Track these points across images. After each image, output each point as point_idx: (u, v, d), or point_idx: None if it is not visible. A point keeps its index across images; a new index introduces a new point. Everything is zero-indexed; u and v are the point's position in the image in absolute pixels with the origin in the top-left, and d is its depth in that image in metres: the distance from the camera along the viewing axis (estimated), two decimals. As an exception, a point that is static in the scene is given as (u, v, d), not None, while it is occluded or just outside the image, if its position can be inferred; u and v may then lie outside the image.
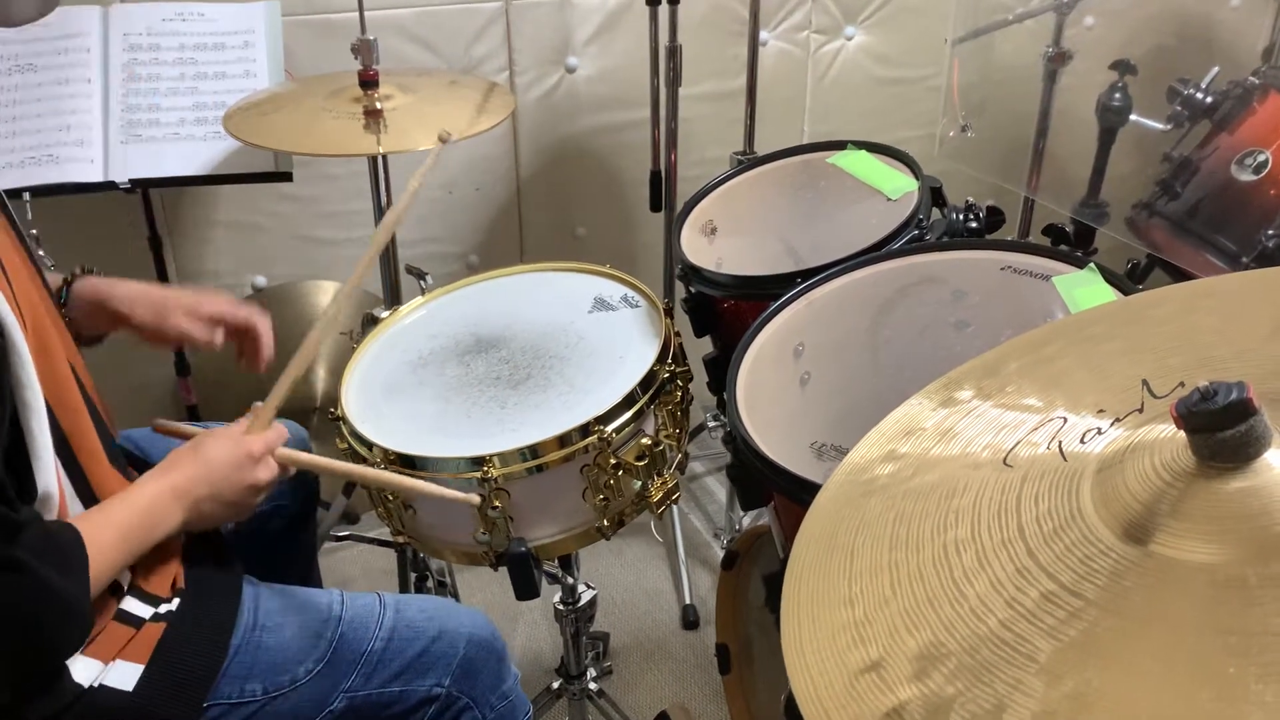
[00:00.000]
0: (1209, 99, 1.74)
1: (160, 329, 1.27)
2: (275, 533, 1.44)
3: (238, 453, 1.13)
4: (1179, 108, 1.77)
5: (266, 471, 1.16)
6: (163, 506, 1.07)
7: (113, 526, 1.02)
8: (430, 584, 1.94)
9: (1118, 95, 1.83)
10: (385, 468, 1.23)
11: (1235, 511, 0.59)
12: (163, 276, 2.02)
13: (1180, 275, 1.82)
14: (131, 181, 1.76)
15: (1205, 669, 0.54)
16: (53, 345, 1.01)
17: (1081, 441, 0.73)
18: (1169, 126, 1.79)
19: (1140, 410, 0.73)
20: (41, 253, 1.73)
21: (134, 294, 1.28)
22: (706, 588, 2.18)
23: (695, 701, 1.95)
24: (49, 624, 0.92)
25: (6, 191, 1.68)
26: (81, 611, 0.95)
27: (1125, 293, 1.13)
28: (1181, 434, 0.62)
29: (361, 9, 1.67)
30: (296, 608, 1.16)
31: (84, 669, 1.00)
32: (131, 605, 1.05)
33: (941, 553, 0.70)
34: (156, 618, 1.05)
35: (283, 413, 1.61)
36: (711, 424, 2.18)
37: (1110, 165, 1.90)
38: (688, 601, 2.15)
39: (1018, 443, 0.76)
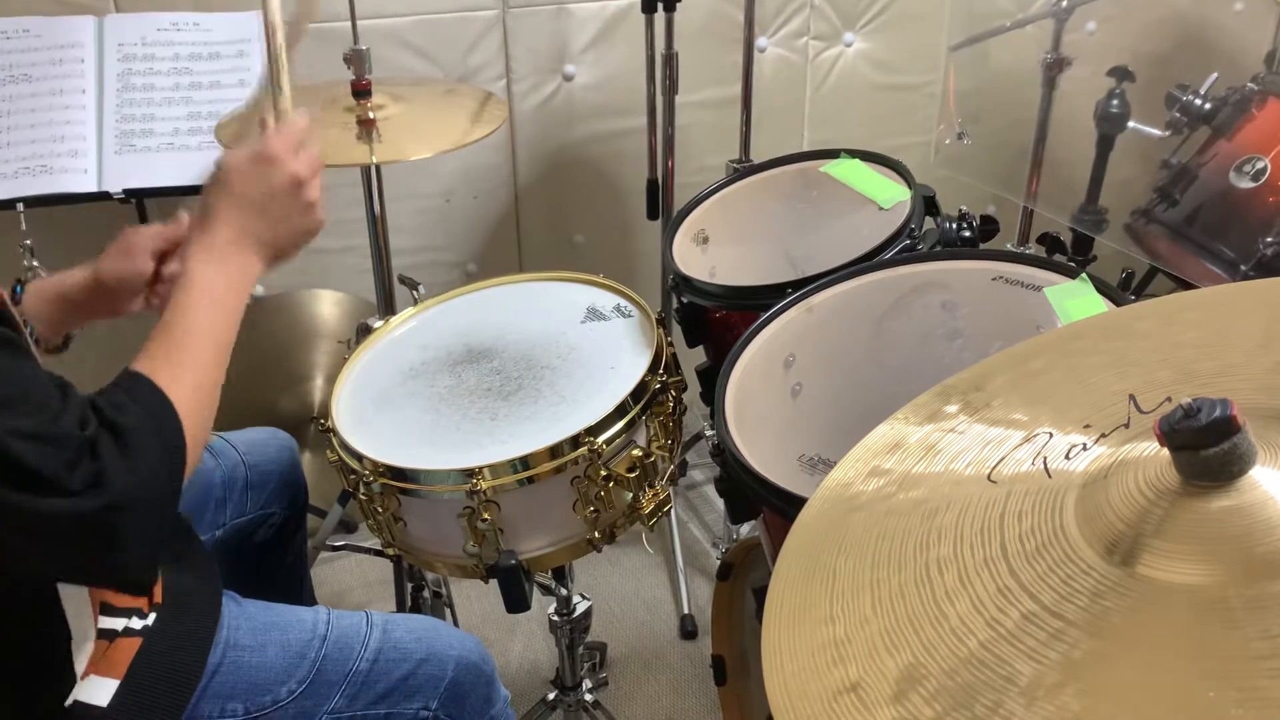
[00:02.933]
0: (1208, 105, 1.73)
1: (133, 270, 1.21)
2: (263, 542, 1.43)
3: (260, 159, 1.04)
4: (1177, 114, 1.75)
5: (303, 162, 1.06)
6: (222, 276, 1.01)
7: (184, 344, 0.97)
8: (426, 595, 1.93)
9: (1115, 102, 1.82)
10: (375, 481, 1.23)
11: (1218, 532, 0.58)
12: (159, 286, 2.02)
13: (1181, 284, 1.81)
14: (125, 192, 1.76)
15: (1185, 693, 0.53)
16: None
17: (1066, 458, 0.72)
18: (1168, 133, 1.78)
19: (1126, 426, 0.72)
20: (36, 263, 1.74)
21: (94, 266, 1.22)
22: (705, 597, 2.17)
23: (693, 713, 1.94)
24: (149, 505, 0.89)
25: (0, 202, 1.70)
26: (180, 458, 0.92)
27: (1117, 303, 1.12)
28: (1166, 451, 0.61)
29: (354, 18, 1.67)
30: (280, 626, 1.14)
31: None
32: (104, 621, 1.04)
33: (923, 572, 0.69)
34: (130, 632, 1.03)
35: (276, 422, 1.62)
36: (709, 432, 2.17)
37: (1109, 172, 1.89)
38: (686, 611, 2.13)
39: (1002, 459, 0.75)
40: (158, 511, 0.91)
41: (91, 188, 1.74)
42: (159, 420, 0.93)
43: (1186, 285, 1.77)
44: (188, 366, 0.97)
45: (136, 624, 1.04)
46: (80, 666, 1.00)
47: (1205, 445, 0.59)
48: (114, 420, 0.88)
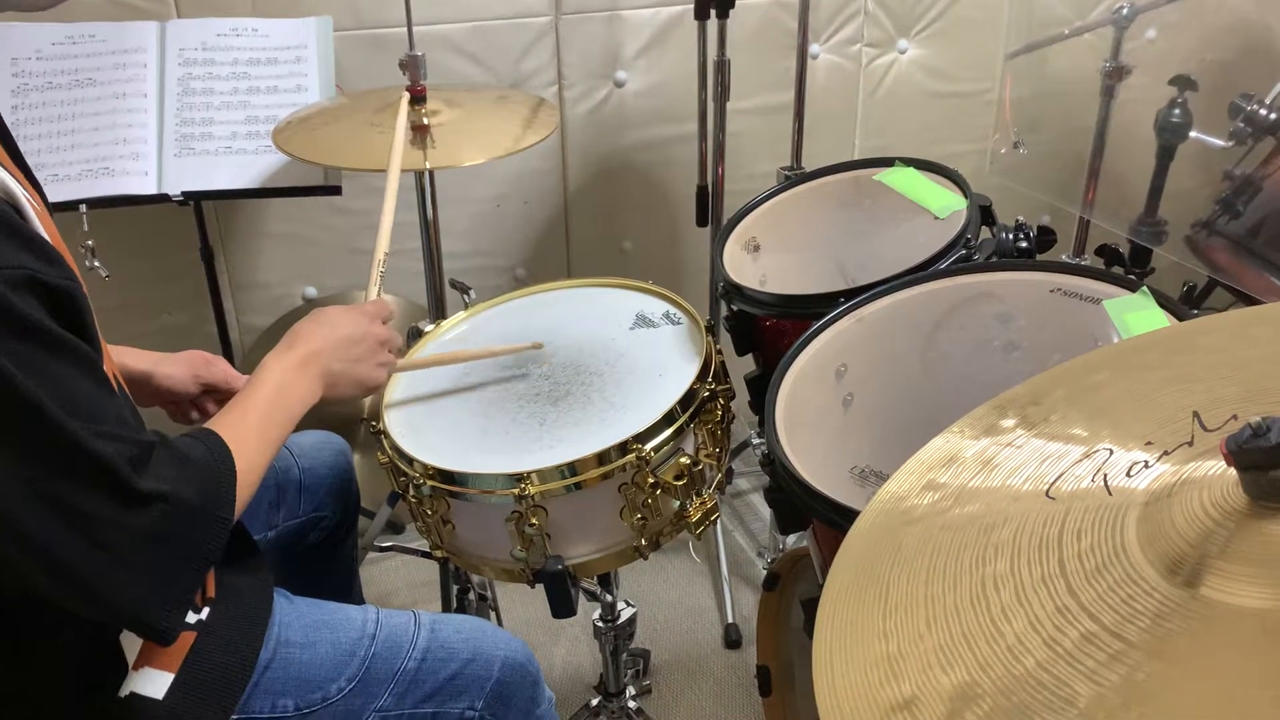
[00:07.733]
0: (1273, 115, 1.69)
1: (183, 385, 1.29)
2: (314, 544, 1.44)
3: (354, 311, 1.21)
4: (1241, 124, 1.71)
5: (386, 330, 1.24)
6: (293, 381, 1.12)
7: (249, 421, 1.05)
8: (472, 598, 1.93)
9: (1177, 111, 1.79)
10: (425, 484, 1.23)
11: (1288, 554, 0.57)
12: (215, 287, 2.05)
13: (1242, 297, 1.77)
14: (184, 194, 1.79)
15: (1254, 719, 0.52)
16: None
17: (1128, 475, 0.70)
18: (1231, 143, 1.74)
19: (1190, 444, 0.70)
20: (98, 263, 1.77)
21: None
22: (750, 607, 2.16)
23: (736, 722, 1.93)
24: (197, 542, 0.92)
25: (63, 203, 1.74)
26: (227, 518, 0.94)
27: (1179, 317, 1.10)
28: (1232, 471, 0.60)
29: (410, 25, 1.68)
30: (330, 624, 1.15)
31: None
32: None
33: (979, 588, 0.67)
34: (185, 625, 1.04)
35: (326, 423, 1.64)
36: (755, 441, 2.16)
37: (1169, 183, 1.85)
38: (730, 620, 2.12)
39: (1061, 475, 0.74)
40: (207, 537, 0.93)
41: (151, 190, 1.78)
42: (222, 469, 0.97)
43: (1247, 299, 1.73)
44: (245, 447, 1.02)
45: (191, 618, 1.05)
46: (131, 656, 1.01)
47: (1275, 465, 0.57)
48: (183, 451, 0.93)
